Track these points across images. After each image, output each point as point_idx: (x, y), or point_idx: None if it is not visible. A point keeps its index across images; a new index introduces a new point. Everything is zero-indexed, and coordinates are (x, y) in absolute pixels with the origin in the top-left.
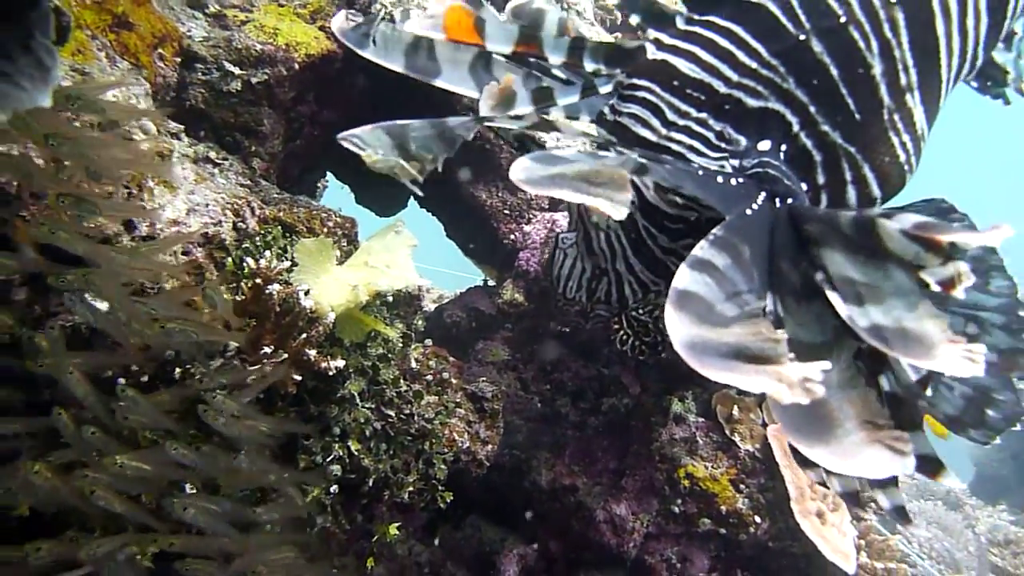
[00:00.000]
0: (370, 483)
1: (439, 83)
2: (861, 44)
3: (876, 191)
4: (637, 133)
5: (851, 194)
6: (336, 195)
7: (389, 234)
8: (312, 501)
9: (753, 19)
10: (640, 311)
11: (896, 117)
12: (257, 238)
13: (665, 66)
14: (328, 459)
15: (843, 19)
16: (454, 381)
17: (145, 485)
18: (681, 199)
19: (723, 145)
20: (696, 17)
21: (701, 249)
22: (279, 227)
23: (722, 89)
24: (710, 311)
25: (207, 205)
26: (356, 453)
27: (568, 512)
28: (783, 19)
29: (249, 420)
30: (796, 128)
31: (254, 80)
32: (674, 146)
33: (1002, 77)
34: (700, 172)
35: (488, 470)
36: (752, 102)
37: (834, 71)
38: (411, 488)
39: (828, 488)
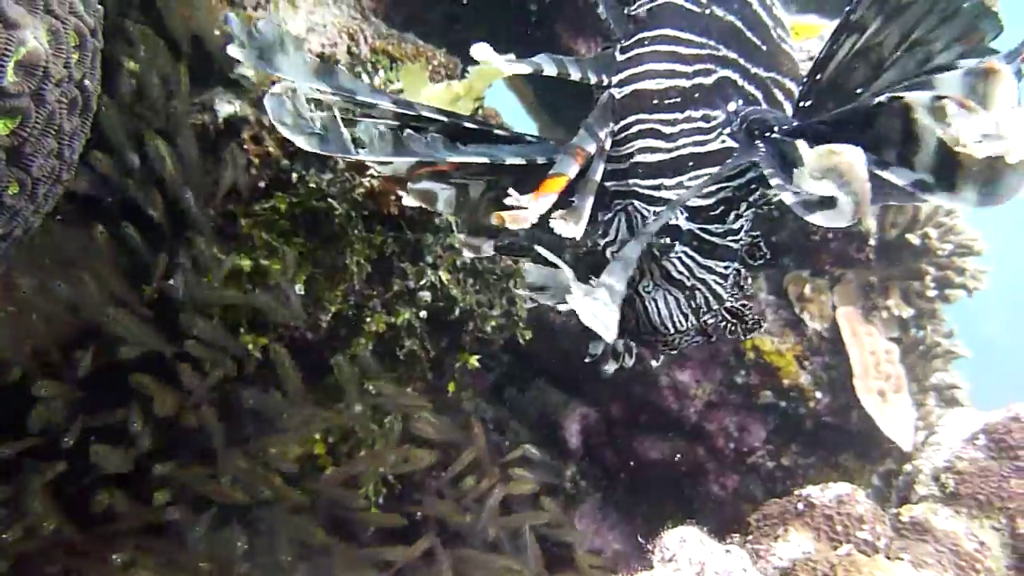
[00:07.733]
0: (456, 313)
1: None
2: None
3: (796, 92)
4: (651, 161)
5: (787, 107)
6: None
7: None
8: (402, 323)
9: (669, 17)
10: (733, 299)
11: (779, 30)
12: (368, 64)
13: (636, 95)
14: (420, 284)
15: None
16: None
17: None
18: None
19: (711, 125)
20: (625, 43)
21: None
22: (387, 59)
23: (686, 84)
24: None
25: (325, 26)
26: (446, 283)
27: (632, 376)
28: (687, 4)
29: None
30: (740, 81)
31: None
32: (684, 151)
33: None
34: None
35: (556, 334)
36: (708, 80)
37: (738, 22)
38: (494, 323)
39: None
